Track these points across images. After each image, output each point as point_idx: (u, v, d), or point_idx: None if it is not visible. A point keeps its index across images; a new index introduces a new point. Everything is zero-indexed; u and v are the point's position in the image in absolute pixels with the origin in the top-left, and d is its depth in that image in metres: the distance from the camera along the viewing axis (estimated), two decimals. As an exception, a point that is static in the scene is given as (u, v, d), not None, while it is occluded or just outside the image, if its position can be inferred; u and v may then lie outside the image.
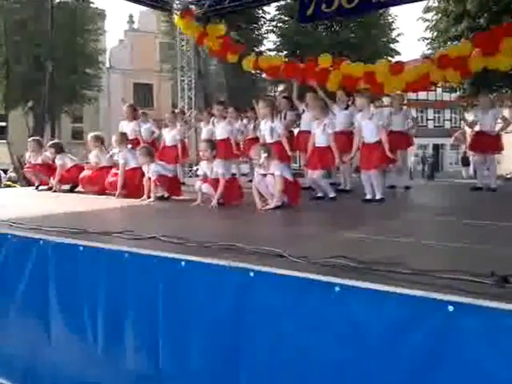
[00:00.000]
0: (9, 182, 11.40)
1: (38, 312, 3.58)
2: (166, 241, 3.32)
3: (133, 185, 6.49)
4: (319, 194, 6.33)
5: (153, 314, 2.97)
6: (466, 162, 28.46)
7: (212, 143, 5.96)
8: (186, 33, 11.87)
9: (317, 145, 6.34)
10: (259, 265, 2.62)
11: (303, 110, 7.54)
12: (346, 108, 7.34)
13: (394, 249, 3.19)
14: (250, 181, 9.31)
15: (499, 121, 7.59)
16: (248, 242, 3.10)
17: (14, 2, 17.56)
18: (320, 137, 6.31)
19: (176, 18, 11.90)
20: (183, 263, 2.89)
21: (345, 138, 6.73)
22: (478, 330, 1.98)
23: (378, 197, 5.97)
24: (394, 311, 2.17)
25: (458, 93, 17.15)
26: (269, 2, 14.08)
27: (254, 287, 2.59)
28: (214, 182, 5.62)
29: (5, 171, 16.01)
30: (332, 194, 6.21)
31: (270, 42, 21.81)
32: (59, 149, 7.66)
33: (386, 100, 11.62)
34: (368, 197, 6.03)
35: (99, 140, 7.24)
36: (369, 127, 6.03)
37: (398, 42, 20.98)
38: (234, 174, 8.05)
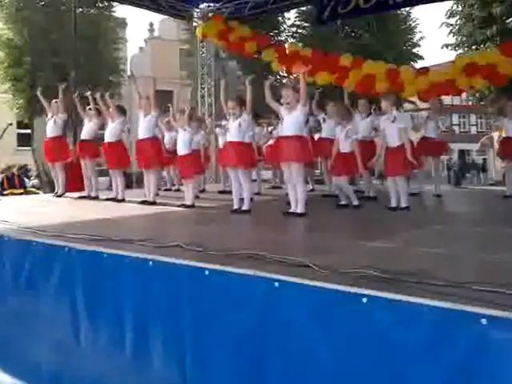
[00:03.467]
0: (32, 189, 11.56)
1: (64, 319, 3.59)
2: (189, 249, 3.31)
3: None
4: (343, 202, 6.26)
5: (178, 322, 2.95)
6: (475, 168, 28.01)
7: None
8: (207, 33, 11.84)
9: (341, 150, 6.28)
10: (284, 275, 2.59)
11: (323, 119, 7.47)
12: (368, 115, 7.25)
13: (422, 259, 3.12)
14: (273, 187, 9.32)
15: None
16: (272, 250, 3.08)
17: (38, 13, 17.86)
18: (343, 143, 6.25)
19: (198, 28, 11.93)
20: (207, 272, 2.87)
21: (366, 145, 6.65)
22: (512, 345, 1.91)
23: (403, 205, 5.85)
24: (424, 324, 2.11)
25: (483, 101, 16.82)
26: (288, 8, 14.04)
27: (279, 298, 2.55)
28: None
29: (29, 177, 16.24)
30: (356, 202, 6.14)
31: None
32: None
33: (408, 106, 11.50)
34: (393, 204, 5.93)
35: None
36: (391, 130, 5.94)
37: (419, 46, 20.72)
38: (254, 180, 8.01)
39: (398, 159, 5.86)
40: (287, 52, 10.94)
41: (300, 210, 5.40)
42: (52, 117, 7.96)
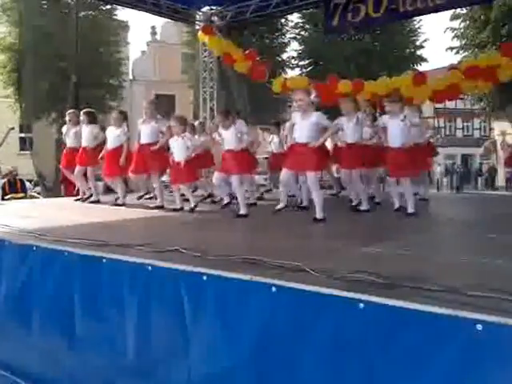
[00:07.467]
0: (33, 193, 11.60)
1: (62, 323, 3.60)
2: (187, 254, 3.31)
3: None
4: (354, 203, 6.16)
5: (178, 326, 2.95)
6: (477, 172, 27.76)
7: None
8: (212, 49, 12.00)
9: (349, 141, 6.00)
10: (281, 279, 2.59)
11: None
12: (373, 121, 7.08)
13: (420, 264, 3.12)
14: (267, 191, 9.27)
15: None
16: (270, 255, 3.07)
17: (41, 17, 17.93)
18: (354, 133, 5.94)
19: (199, 33, 12.01)
20: (205, 277, 2.87)
21: (369, 150, 6.57)
22: (508, 351, 1.91)
23: (410, 210, 5.49)
24: (420, 330, 2.11)
25: (483, 103, 16.80)
26: (291, 12, 14.09)
27: (276, 303, 2.55)
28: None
29: (31, 181, 16.29)
30: (334, 191, 6.23)
31: (292, 49, 21.79)
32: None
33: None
34: (397, 205, 5.72)
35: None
36: (399, 129, 5.52)
37: (423, 47, 20.66)
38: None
39: (405, 159, 5.48)
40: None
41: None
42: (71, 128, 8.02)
